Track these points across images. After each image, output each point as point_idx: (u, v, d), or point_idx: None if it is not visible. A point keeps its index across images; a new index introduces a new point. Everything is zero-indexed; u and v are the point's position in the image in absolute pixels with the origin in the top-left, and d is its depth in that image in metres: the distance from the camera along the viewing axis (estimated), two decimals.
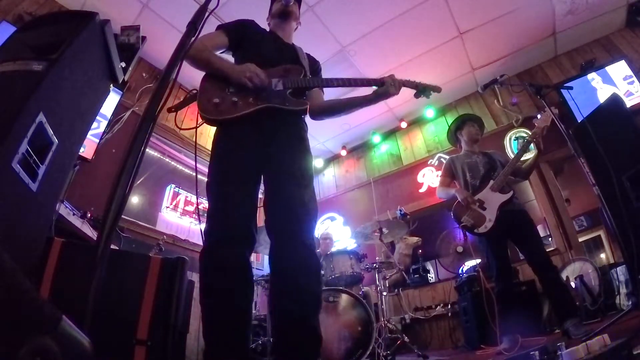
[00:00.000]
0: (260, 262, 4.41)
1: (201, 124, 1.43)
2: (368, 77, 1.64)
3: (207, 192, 1.31)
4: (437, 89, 1.59)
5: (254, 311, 2.81)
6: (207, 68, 1.43)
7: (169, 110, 1.41)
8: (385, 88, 1.50)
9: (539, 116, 2.59)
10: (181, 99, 1.50)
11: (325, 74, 1.82)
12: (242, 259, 1.24)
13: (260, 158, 1.35)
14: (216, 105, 1.33)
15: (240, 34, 1.59)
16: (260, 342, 2.71)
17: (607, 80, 3.72)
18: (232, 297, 1.17)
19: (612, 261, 4.64)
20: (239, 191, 1.28)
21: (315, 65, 1.72)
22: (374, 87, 1.55)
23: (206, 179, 1.34)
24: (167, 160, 4.31)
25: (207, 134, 4.34)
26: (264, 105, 1.36)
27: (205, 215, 1.28)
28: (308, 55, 1.72)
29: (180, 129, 1.54)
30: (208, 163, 1.37)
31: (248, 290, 1.25)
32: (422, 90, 1.57)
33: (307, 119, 1.58)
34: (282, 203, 1.29)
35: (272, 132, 1.39)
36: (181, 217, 4.09)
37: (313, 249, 1.28)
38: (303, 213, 1.27)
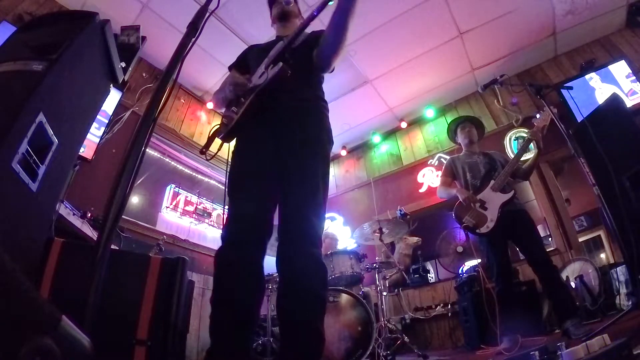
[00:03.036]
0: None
1: (221, 147, 1.57)
2: None
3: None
4: None
5: None
6: (220, 103, 1.58)
7: (202, 152, 1.58)
8: None
9: (538, 115, 2.59)
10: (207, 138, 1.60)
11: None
12: (252, 261, 1.26)
13: (272, 161, 1.36)
14: (225, 124, 1.49)
15: (245, 60, 1.67)
16: (260, 342, 2.71)
17: (609, 79, 3.70)
18: (239, 297, 1.18)
19: (612, 261, 4.63)
20: (249, 195, 1.32)
21: (313, 35, 1.54)
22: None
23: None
24: (167, 160, 4.31)
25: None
26: (251, 96, 1.40)
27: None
28: (310, 32, 1.57)
29: (211, 157, 1.59)
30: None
31: (256, 292, 1.27)
32: None
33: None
34: (289, 209, 1.30)
35: (280, 129, 1.38)
36: (181, 217, 4.08)
37: (319, 255, 1.28)
38: (309, 221, 1.27)
